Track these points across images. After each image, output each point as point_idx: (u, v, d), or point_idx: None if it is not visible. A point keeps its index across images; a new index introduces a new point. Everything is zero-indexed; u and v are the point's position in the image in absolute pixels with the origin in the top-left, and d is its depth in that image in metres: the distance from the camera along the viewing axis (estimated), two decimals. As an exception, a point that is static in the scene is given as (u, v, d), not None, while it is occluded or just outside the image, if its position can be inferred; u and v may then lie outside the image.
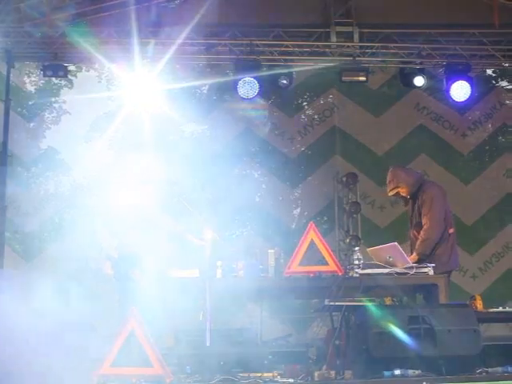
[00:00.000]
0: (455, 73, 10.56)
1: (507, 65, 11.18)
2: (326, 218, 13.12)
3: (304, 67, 11.59)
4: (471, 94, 10.59)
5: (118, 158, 13.95)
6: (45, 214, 12.89)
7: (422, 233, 6.96)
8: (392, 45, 10.57)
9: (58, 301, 5.73)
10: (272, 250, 6.60)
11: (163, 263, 6.88)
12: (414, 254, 6.89)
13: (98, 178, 13.85)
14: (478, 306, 7.30)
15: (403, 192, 7.23)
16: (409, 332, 5.24)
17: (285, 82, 10.80)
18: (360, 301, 6.59)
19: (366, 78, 10.64)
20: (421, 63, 10.88)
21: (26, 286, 5.96)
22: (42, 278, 5.84)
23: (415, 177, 7.27)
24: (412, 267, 6.42)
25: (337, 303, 6.44)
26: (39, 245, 12.87)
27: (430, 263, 6.57)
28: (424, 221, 6.98)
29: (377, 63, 11.08)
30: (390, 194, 7.34)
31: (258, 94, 10.45)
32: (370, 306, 5.86)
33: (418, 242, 6.95)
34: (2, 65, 10.83)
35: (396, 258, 6.48)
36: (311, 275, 6.35)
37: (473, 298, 7.45)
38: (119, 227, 6.66)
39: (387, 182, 7.33)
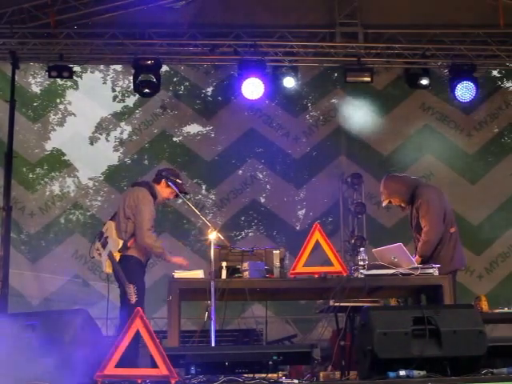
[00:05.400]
0: (460, 73, 10.56)
1: (512, 65, 11.18)
2: (331, 219, 13.12)
3: (309, 68, 11.61)
4: (476, 95, 10.59)
5: (124, 159, 13.99)
6: (50, 215, 12.91)
7: (422, 235, 6.96)
8: (397, 45, 10.57)
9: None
10: (277, 251, 6.60)
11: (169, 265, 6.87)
12: (417, 256, 6.89)
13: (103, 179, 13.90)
14: (484, 306, 7.29)
15: (396, 202, 7.24)
16: (413, 333, 5.23)
17: (289, 82, 10.81)
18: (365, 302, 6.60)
19: (371, 78, 10.64)
20: (425, 64, 10.88)
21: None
22: None
23: (407, 184, 7.23)
24: (417, 268, 6.41)
25: (342, 304, 6.44)
26: (44, 246, 12.90)
27: (435, 263, 6.57)
28: (423, 223, 6.97)
29: (381, 64, 11.08)
30: (384, 204, 7.37)
31: (263, 94, 10.46)
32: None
33: (419, 244, 6.95)
34: (7, 66, 10.85)
35: (401, 259, 6.47)
36: (316, 276, 6.35)
37: (478, 298, 7.44)
38: (125, 228, 6.63)
39: (380, 191, 7.34)
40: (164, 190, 6.91)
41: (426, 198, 7.03)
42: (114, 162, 14.03)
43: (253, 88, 10.36)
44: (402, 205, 7.24)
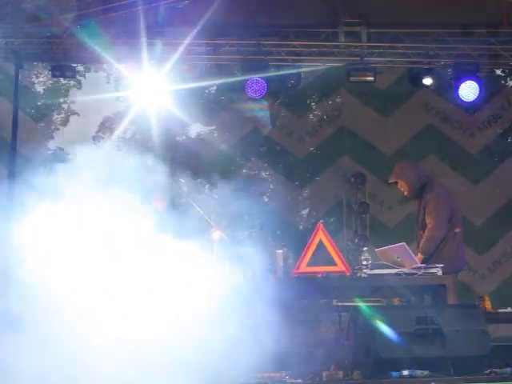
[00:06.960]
0: (463, 73, 10.52)
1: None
2: (334, 219, 13.11)
3: (312, 67, 11.59)
4: (480, 94, 10.56)
5: (127, 158, 13.99)
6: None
7: (426, 231, 6.97)
8: (400, 45, 10.54)
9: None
10: (280, 251, 6.60)
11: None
12: (419, 253, 6.90)
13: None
14: (487, 306, 7.28)
15: (401, 186, 7.24)
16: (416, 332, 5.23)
17: (293, 82, 10.80)
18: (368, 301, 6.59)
19: (374, 78, 10.61)
20: (429, 63, 10.84)
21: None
22: None
23: (420, 175, 7.25)
24: (420, 267, 6.41)
25: (345, 304, 6.44)
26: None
27: (437, 263, 6.57)
28: (428, 220, 7.00)
29: (385, 63, 11.05)
30: (390, 181, 7.35)
31: (266, 94, 10.45)
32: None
33: (422, 241, 6.98)
34: (11, 65, 10.85)
35: (404, 259, 6.47)
36: (319, 275, 6.34)
37: (481, 298, 7.43)
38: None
39: (393, 170, 7.34)
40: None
41: (434, 195, 7.04)
42: (117, 161, 14.02)
43: (256, 87, 10.35)
44: (406, 193, 7.23)
